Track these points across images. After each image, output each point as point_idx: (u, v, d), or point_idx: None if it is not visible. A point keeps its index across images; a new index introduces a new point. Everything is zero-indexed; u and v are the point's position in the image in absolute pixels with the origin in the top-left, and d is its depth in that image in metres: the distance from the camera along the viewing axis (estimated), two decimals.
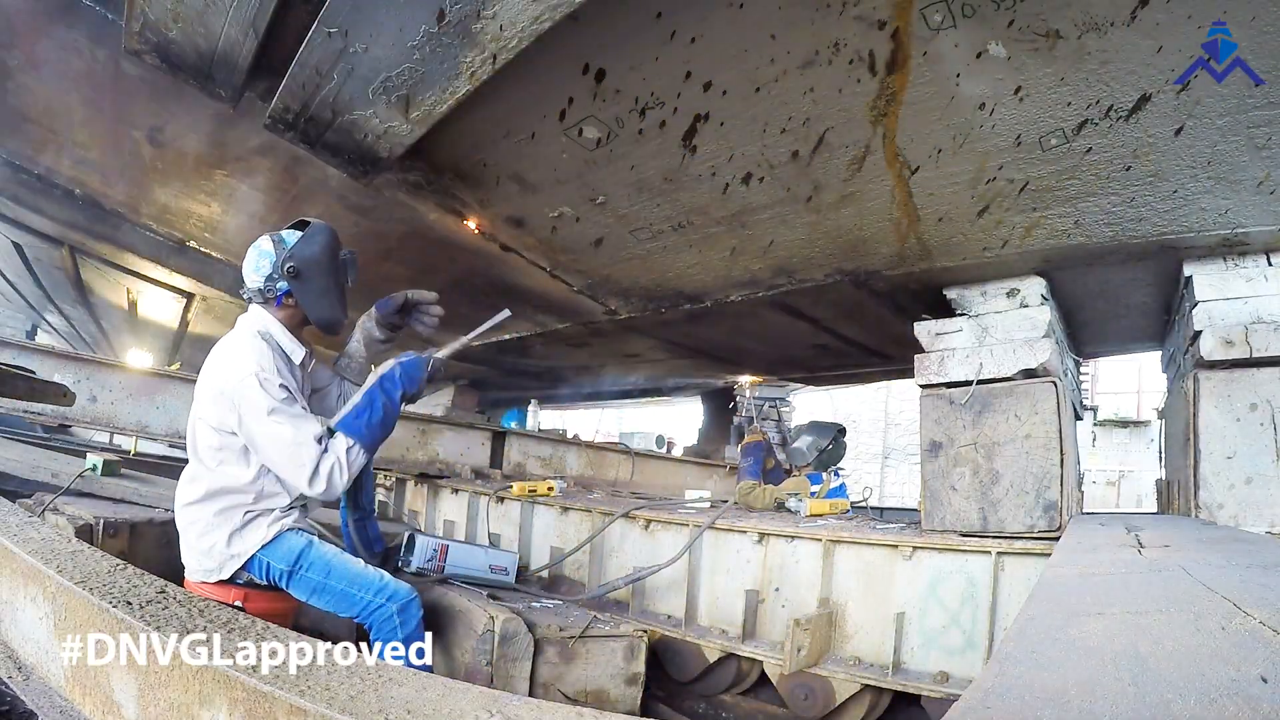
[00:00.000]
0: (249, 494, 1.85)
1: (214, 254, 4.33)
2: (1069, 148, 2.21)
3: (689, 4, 1.96)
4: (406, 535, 2.77)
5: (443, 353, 2.14)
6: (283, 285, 1.96)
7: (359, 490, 2.53)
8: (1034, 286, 2.90)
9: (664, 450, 7.54)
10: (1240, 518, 2.42)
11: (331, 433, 1.88)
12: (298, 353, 2.00)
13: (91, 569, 1.43)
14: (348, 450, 1.85)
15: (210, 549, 1.82)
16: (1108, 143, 2.16)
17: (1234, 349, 2.48)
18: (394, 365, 2.00)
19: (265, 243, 1.97)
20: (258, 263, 1.97)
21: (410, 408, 2.33)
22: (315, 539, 1.93)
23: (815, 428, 4.71)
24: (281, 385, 1.82)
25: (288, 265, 1.94)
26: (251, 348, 1.87)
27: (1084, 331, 3.78)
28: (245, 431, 1.81)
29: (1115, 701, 0.77)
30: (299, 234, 2.00)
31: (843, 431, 4.73)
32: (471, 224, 3.25)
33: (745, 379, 5.89)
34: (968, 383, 2.83)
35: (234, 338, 1.94)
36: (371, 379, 2.00)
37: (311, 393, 2.15)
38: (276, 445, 1.78)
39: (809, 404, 10.76)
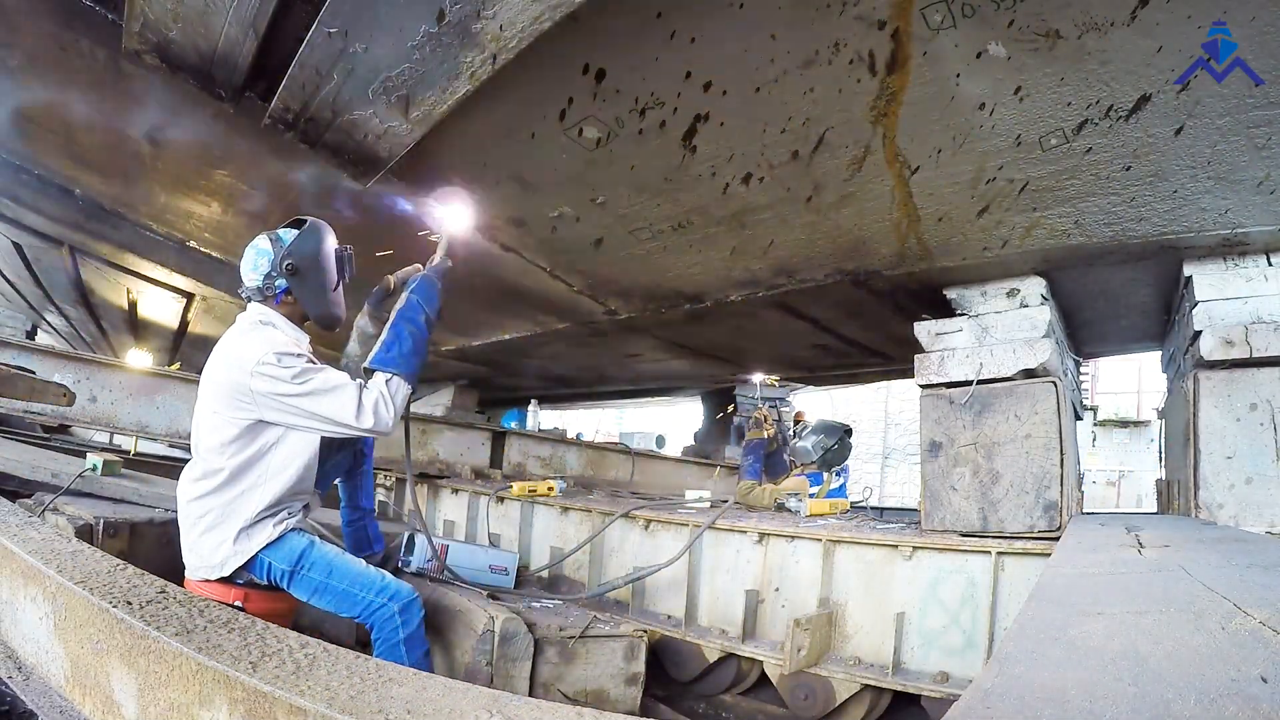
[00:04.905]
0: (257, 478, 1.86)
1: (214, 254, 4.33)
2: (1069, 148, 2.21)
3: (689, 4, 1.96)
4: (406, 535, 2.77)
5: (445, 261, 2.16)
6: (281, 283, 1.97)
7: (359, 490, 2.53)
8: (1034, 286, 2.90)
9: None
10: (1240, 518, 2.42)
11: (368, 374, 1.91)
12: (302, 340, 2.01)
13: (91, 569, 1.42)
14: (387, 382, 1.88)
15: (218, 545, 1.82)
16: (1108, 143, 2.16)
17: (1234, 349, 2.48)
18: (408, 296, 2.03)
19: (262, 241, 1.98)
20: (255, 261, 1.97)
21: (410, 408, 2.33)
22: (316, 539, 1.94)
23: (822, 427, 4.71)
24: (298, 355, 1.84)
25: (286, 262, 1.95)
26: (259, 335, 1.89)
27: (1084, 331, 3.78)
28: (275, 408, 1.81)
29: (1115, 701, 0.77)
30: (296, 231, 2.01)
31: (849, 432, 4.73)
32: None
33: (758, 377, 5.84)
34: (968, 383, 2.83)
35: (238, 331, 1.94)
36: (393, 315, 2.02)
37: None
38: (313, 399, 1.81)
39: (809, 404, 10.75)
